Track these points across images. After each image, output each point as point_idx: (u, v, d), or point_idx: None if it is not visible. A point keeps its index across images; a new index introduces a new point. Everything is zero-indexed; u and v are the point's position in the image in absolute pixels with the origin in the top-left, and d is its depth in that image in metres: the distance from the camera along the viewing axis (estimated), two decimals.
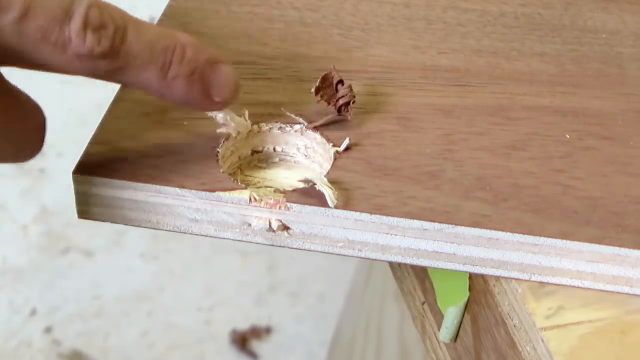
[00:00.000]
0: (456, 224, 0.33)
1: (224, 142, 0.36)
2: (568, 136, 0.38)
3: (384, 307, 0.87)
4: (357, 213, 0.33)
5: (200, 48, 0.32)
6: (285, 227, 0.34)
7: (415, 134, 0.37)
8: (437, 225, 0.33)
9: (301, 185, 0.34)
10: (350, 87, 0.37)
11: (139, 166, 0.34)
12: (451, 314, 0.38)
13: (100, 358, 1.16)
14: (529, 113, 0.39)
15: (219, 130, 0.36)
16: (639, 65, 0.43)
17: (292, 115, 0.37)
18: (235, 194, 0.33)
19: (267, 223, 0.34)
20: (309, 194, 0.33)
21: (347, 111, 0.37)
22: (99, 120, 0.37)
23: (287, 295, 1.26)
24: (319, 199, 0.33)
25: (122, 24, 0.30)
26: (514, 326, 0.33)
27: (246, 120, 0.36)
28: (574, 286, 0.33)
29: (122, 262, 1.28)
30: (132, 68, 0.30)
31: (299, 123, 0.37)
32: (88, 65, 0.29)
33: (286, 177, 0.37)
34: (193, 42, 0.32)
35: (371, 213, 0.33)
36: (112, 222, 0.35)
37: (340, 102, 0.37)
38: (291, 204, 0.33)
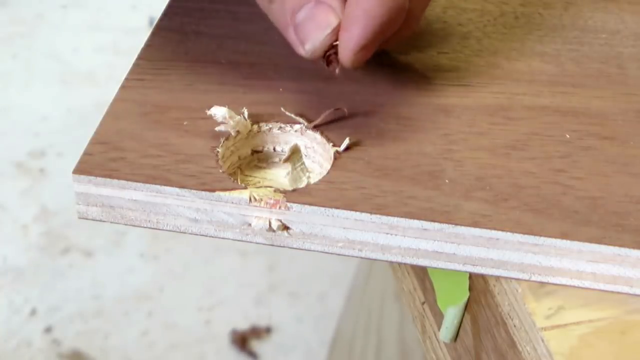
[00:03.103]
0: (456, 224, 0.33)
1: (224, 142, 0.36)
2: (568, 136, 0.38)
3: (384, 307, 0.87)
4: (357, 213, 0.33)
5: None
6: (285, 227, 0.34)
7: (415, 134, 0.37)
8: (437, 225, 0.33)
9: (302, 185, 0.34)
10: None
11: (139, 166, 0.34)
12: (451, 314, 0.38)
13: (100, 358, 1.16)
14: (529, 113, 0.39)
15: (217, 128, 0.36)
16: (639, 65, 0.43)
17: (292, 115, 0.37)
18: (235, 194, 0.33)
19: (267, 223, 0.34)
20: (309, 194, 0.33)
21: (334, 62, 0.36)
22: (99, 120, 0.37)
23: (287, 295, 1.26)
24: (319, 199, 0.33)
25: None
26: (514, 326, 0.33)
27: (245, 120, 0.36)
28: (574, 286, 0.33)
29: (122, 262, 1.28)
30: None
31: (299, 123, 0.37)
32: None
33: (286, 177, 0.37)
34: None
35: (371, 213, 0.33)
36: (112, 222, 0.35)
37: (330, 52, 0.36)
38: (291, 204, 0.33)
